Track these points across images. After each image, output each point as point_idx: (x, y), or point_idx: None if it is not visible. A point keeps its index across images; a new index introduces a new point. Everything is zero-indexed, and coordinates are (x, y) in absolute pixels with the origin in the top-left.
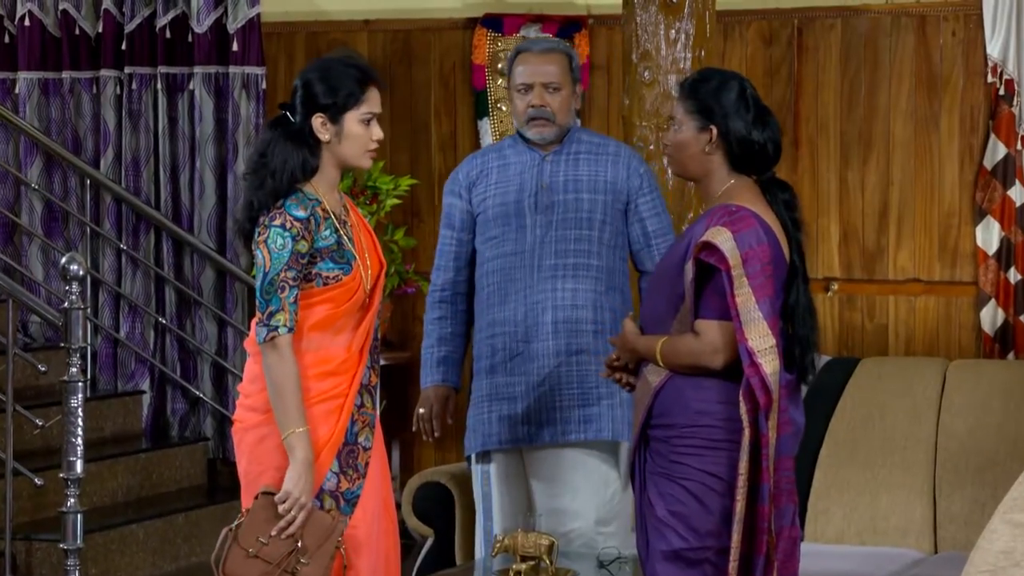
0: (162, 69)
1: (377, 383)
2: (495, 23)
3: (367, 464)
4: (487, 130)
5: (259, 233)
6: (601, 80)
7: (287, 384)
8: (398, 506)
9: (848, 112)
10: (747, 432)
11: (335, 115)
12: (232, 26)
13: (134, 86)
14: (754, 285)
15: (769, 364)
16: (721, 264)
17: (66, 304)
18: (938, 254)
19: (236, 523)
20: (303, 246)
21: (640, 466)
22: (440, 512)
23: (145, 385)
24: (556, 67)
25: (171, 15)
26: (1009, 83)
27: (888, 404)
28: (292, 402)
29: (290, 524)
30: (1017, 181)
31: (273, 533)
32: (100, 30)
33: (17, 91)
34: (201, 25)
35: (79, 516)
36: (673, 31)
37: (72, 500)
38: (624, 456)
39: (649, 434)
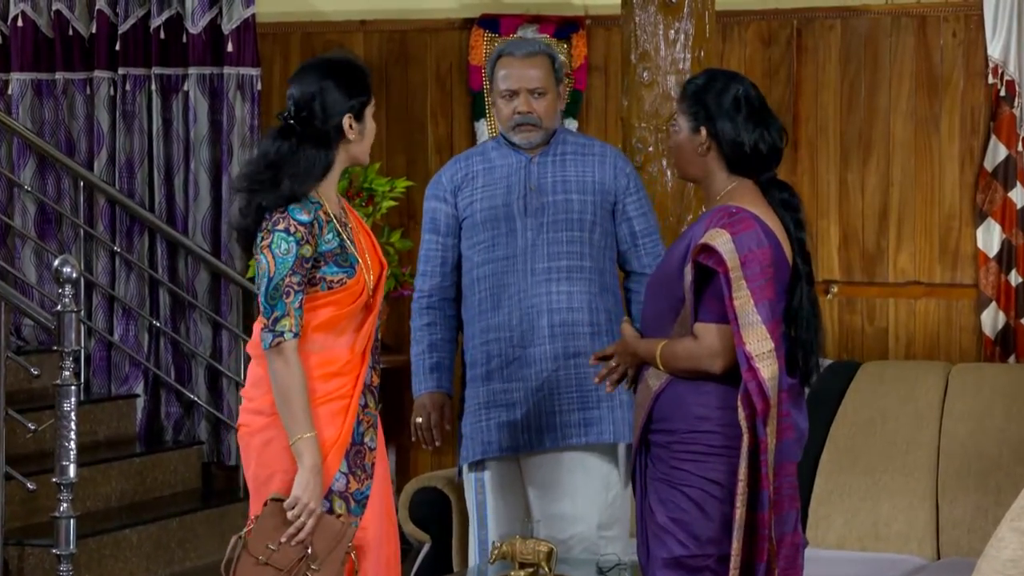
0: (156, 70)
1: (379, 383)
2: (492, 24)
3: (373, 464)
4: (484, 131)
5: (262, 238)
6: (599, 81)
7: (293, 389)
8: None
9: (848, 113)
10: (746, 438)
11: (360, 112)
12: (227, 27)
13: (128, 87)
14: (753, 288)
15: (767, 369)
16: (719, 267)
17: (59, 307)
18: (938, 256)
19: (245, 529)
20: (307, 250)
21: (641, 471)
22: (437, 517)
23: (139, 388)
24: (540, 71)
25: (165, 15)
26: (1010, 84)
27: (890, 408)
28: (299, 407)
29: (299, 530)
30: (1018, 183)
31: (283, 540)
32: (94, 31)
33: (10, 92)
34: (195, 26)
35: (72, 521)
36: (672, 31)
37: (65, 505)
38: (623, 457)
39: (650, 439)
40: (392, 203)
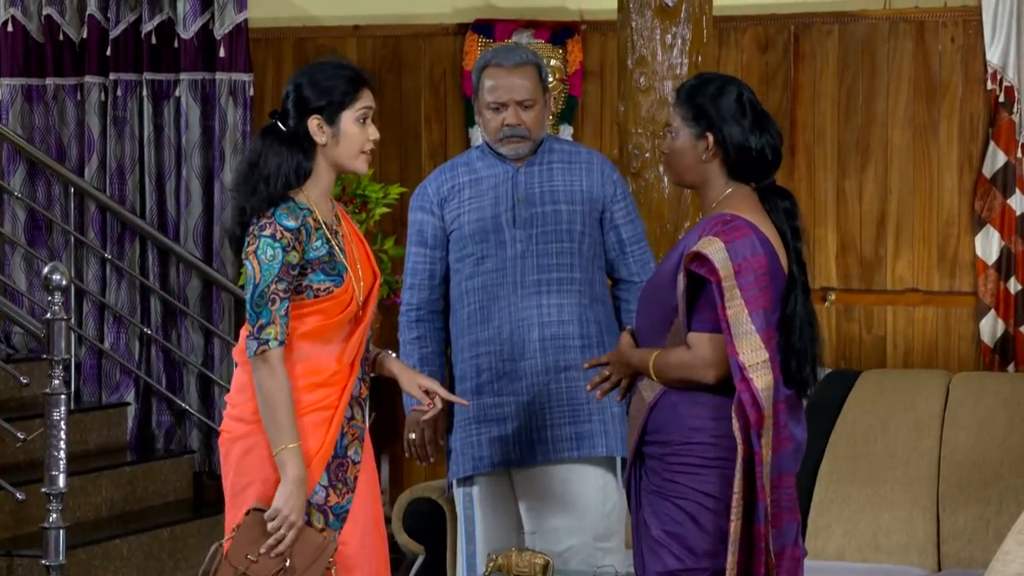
0: (148, 75)
1: (368, 396)
2: (486, 29)
3: (356, 478)
4: (478, 138)
5: (248, 244)
6: (594, 86)
7: (278, 399)
8: (388, 521)
9: (845, 119)
10: (741, 449)
11: (331, 115)
12: (219, 32)
13: (119, 93)
14: (747, 297)
15: (761, 379)
16: (711, 276)
17: (48, 315)
18: (937, 264)
19: (226, 538)
20: (294, 257)
21: (635, 484)
22: (431, 528)
23: (130, 397)
24: (529, 82)
25: (157, 21)
26: (1009, 90)
27: (890, 418)
28: (284, 417)
29: (279, 542)
30: (1017, 189)
31: (262, 551)
32: (84, 36)
33: (0, 98)
34: (187, 31)
35: (61, 531)
36: (669, 36)
37: (54, 515)
38: (622, 467)
39: (644, 451)
40: (385, 210)
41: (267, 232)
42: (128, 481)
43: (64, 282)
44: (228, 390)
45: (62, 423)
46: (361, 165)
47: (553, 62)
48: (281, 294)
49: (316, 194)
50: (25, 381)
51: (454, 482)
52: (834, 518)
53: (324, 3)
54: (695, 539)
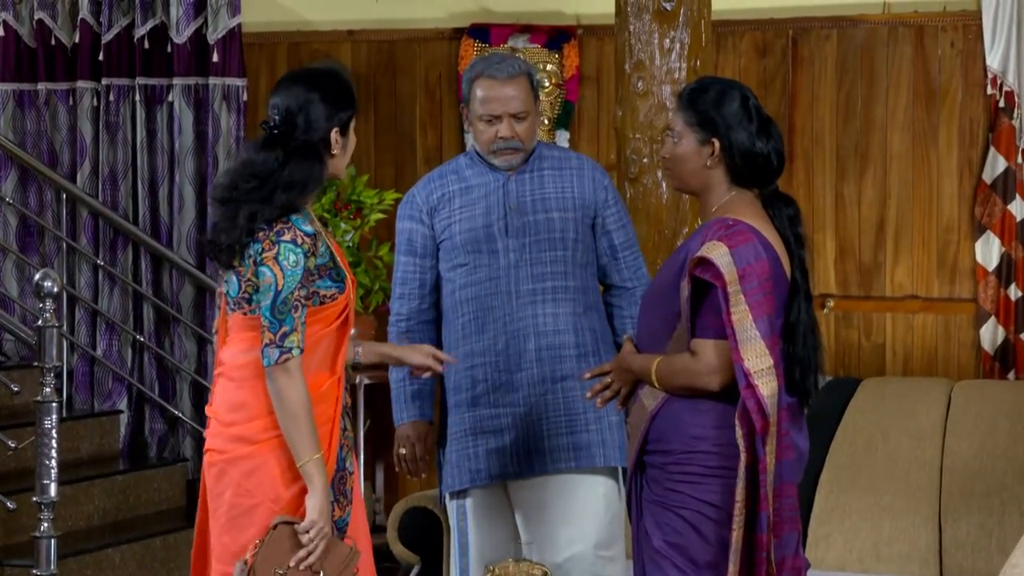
0: (140, 80)
1: (350, 404)
2: (482, 33)
3: (352, 490)
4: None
5: (264, 248)
6: (591, 91)
7: (302, 409)
8: (383, 530)
9: (844, 125)
10: (744, 458)
11: (346, 126)
12: (212, 36)
13: (111, 98)
14: (751, 303)
15: (766, 386)
16: (716, 280)
17: (40, 322)
18: (936, 270)
19: (251, 554)
20: (311, 263)
21: (636, 493)
22: (426, 538)
23: (122, 404)
24: (522, 93)
25: (150, 25)
26: (1009, 95)
27: (891, 426)
28: (307, 428)
29: (310, 554)
30: (1017, 195)
31: (292, 563)
32: (77, 40)
33: None
34: (180, 35)
35: (53, 541)
36: (667, 40)
37: (46, 524)
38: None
39: (645, 460)
40: (380, 216)
41: (287, 237)
42: (120, 490)
43: (56, 289)
44: None
45: (53, 431)
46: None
47: (549, 67)
48: (302, 301)
49: (310, 202)
50: (16, 389)
51: (447, 494)
52: (835, 528)
53: (318, 8)
54: (697, 550)
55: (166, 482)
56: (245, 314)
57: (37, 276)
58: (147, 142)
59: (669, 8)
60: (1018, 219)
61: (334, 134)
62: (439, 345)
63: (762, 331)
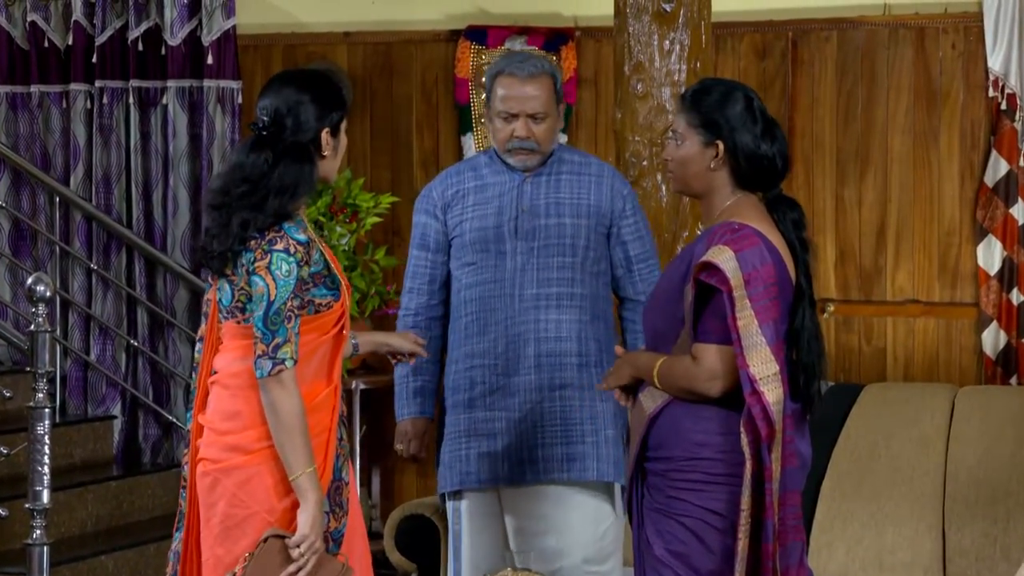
0: (134, 83)
1: (346, 413)
2: (479, 35)
3: (348, 499)
4: (471, 146)
5: (256, 258)
6: (589, 94)
7: (296, 421)
8: (379, 537)
9: (844, 127)
10: (749, 465)
11: (337, 127)
12: (207, 38)
13: (105, 100)
14: (757, 308)
15: (772, 392)
16: (722, 285)
17: (32, 327)
18: (938, 274)
19: (241, 567)
20: (305, 272)
21: (637, 501)
22: (424, 546)
23: (116, 410)
24: (542, 93)
25: (143, 27)
26: (1011, 97)
27: (894, 433)
28: (301, 441)
29: (301, 568)
30: (1019, 198)
31: None
32: (70, 42)
33: None
34: (175, 37)
35: (46, 548)
36: (667, 42)
37: (38, 531)
38: (619, 491)
39: (646, 467)
40: (377, 219)
41: (279, 246)
42: (114, 496)
43: (49, 293)
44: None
45: (46, 437)
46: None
47: None
48: (296, 311)
49: (302, 207)
50: (8, 394)
51: (446, 495)
52: (837, 535)
53: (314, 9)
54: (700, 559)
55: (160, 488)
56: (239, 323)
57: (30, 280)
58: (141, 145)
59: (669, 9)
60: (1020, 222)
61: (324, 135)
62: (445, 343)
63: (768, 337)
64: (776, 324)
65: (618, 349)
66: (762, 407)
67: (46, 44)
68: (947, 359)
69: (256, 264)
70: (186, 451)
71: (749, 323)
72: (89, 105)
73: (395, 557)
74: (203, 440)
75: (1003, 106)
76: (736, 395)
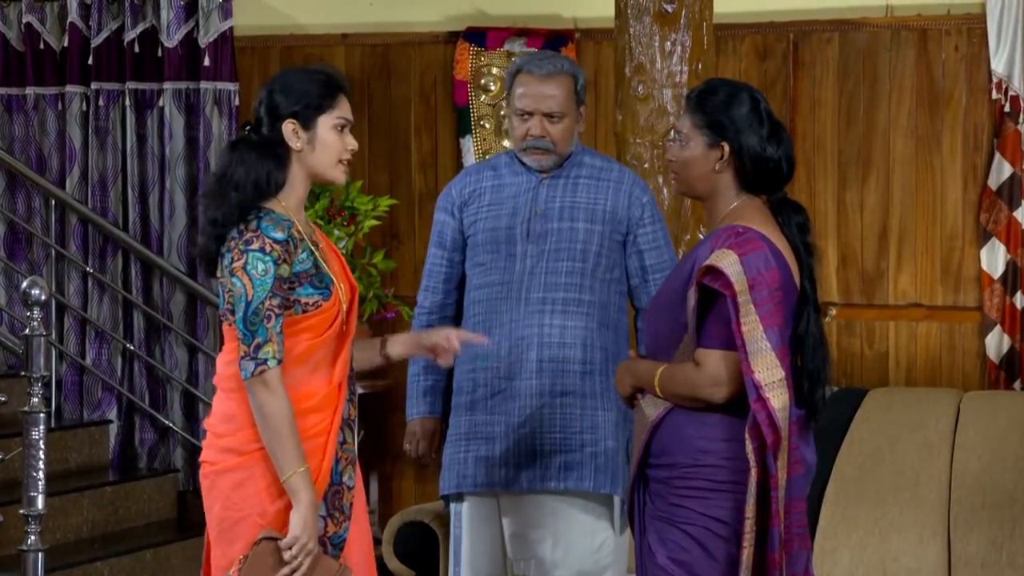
0: (130, 85)
1: (356, 416)
2: (478, 37)
3: (351, 505)
4: (469, 148)
5: (233, 259)
6: (588, 96)
7: (283, 422)
8: (378, 543)
9: (846, 130)
10: (754, 472)
11: (307, 120)
12: (203, 40)
13: (101, 102)
14: (762, 313)
15: (778, 399)
16: (726, 289)
17: (27, 331)
18: (940, 278)
19: (235, 569)
20: (285, 270)
21: (639, 508)
22: (423, 553)
23: (112, 414)
24: (560, 93)
25: (140, 29)
26: (1015, 100)
27: (898, 438)
28: (290, 441)
29: (295, 571)
30: (1023, 201)
31: None
32: (66, 44)
33: None
34: (171, 39)
35: (41, 554)
36: (668, 43)
37: (33, 537)
38: (619, 502)
39: (648, 474)
40: (375, 222)
41: (255, 246)
42: (110, 501)
43: (44, 297)
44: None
45: (41, 442)
46: (339, 175)
47: None
48: (276, 310)
49: (293, 204)
50: (3, 398)
51: (449, 498)
52: (841, 542)
53: (311, 11)
54: (703, 567)
55: (156, 493)
56: (229, 324)
57: (25, 284)
58: (137, 147)
59: (670, 10)
60: None
61: (289, 126)
62: None
63: (773, 342)
64: (781, 329)
65: (631, 354)
66: (768, 413)
67: (42, 46)
68: (950, 363)
69: (234, 265)
70: None
71: (754, 328)
72: (85, 107)
73: (393, 564)
74: (204, 442)
75: (1007, 108)
76: (739, 401)
